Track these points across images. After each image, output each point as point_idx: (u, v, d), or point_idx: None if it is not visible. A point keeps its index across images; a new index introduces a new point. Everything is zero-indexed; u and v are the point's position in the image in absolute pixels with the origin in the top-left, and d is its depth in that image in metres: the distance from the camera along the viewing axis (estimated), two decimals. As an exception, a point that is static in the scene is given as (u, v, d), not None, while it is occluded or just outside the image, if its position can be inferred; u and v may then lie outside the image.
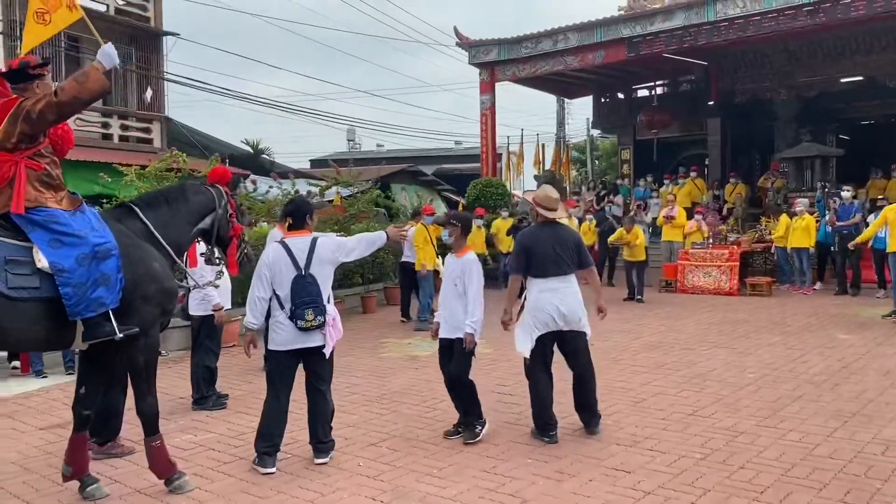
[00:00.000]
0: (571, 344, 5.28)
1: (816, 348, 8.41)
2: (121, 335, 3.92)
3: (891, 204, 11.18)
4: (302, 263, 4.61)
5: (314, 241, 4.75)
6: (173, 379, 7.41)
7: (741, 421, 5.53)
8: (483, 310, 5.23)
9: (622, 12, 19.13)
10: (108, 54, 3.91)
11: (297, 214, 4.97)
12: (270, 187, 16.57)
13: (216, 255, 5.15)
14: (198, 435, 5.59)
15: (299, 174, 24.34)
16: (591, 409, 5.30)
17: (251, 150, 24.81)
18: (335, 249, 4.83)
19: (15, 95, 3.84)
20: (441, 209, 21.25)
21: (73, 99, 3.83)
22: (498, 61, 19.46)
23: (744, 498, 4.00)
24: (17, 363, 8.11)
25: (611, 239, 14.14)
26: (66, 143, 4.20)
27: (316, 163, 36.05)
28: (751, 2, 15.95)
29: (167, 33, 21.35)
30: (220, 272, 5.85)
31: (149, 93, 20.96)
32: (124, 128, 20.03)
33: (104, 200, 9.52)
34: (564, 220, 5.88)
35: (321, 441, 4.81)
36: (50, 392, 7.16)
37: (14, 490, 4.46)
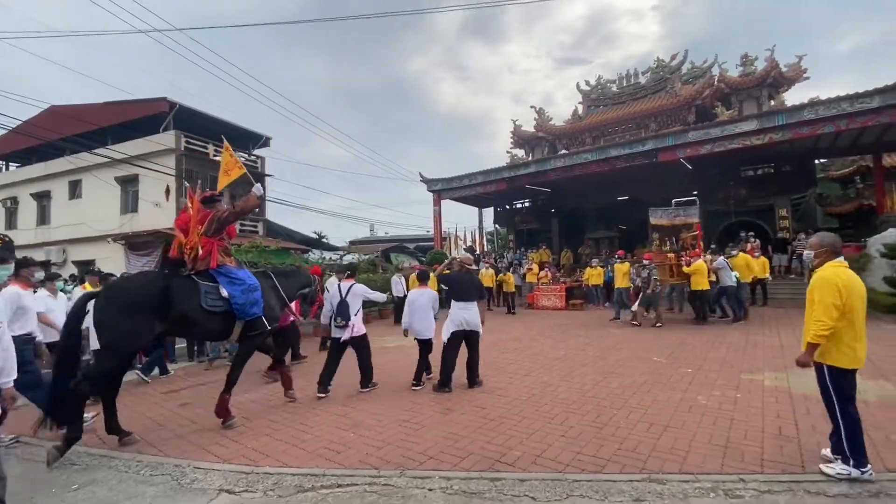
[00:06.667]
0: (471, 338, 5.06)
1: (600, 338, 8.38)
2: (269, 328, 4.24)
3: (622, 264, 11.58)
4: (344, 294, 4.87)
5: (352, 284, 5.00)
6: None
7: (552, 377, 5.45)
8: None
9: (506, 163, 19.72)
10: (259, 188, 4.23)
11: (350, 270, 5.33)
12: (322, 255, 16.40)
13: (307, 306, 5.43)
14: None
15: (338, 248, 23.97)
16: (474, 374, 5.12)
17: (317, 236, 24.44)
18: (363, 293, 5.01)
19: (207, 210, 4.06)
20: (412, 262, 21.07)
21: (242, 210, 4.23)
22: (442, 189, 19.55)
23: (543, 419, 3.91)
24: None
25: (498, 277, 14.07)
26: (232, 233, 4.30)
27: (353, 242, 35.59)
28: (566, 159, 16.65)
29: (267, 175, 21.08)
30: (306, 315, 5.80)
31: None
32: (243, 224, 19.40)
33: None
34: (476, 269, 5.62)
35: (365, 380, 5.06)
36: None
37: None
